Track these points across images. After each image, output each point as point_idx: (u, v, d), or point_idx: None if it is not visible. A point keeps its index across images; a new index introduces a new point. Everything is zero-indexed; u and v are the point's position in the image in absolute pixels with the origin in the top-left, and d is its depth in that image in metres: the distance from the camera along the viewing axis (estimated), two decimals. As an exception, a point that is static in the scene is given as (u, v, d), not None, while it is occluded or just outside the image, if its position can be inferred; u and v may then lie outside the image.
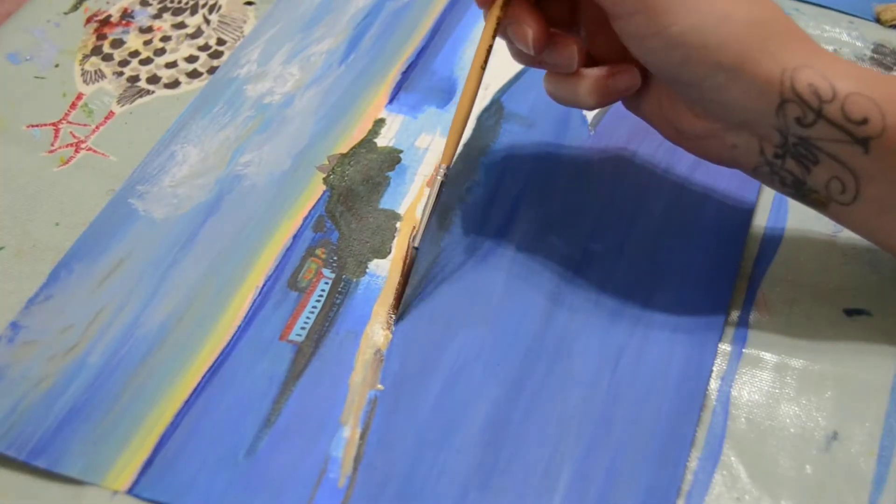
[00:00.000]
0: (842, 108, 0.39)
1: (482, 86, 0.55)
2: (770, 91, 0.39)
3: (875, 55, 0.57)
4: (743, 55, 0.39)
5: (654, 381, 0.43)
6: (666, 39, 0.40)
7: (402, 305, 0.45)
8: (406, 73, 0.56)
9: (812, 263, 0.47)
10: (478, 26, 0.59)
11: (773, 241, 0.48)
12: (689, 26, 0.39)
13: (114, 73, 0.57)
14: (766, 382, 0.43)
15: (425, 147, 0.52)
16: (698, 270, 0.46)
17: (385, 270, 0.47)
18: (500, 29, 0.44)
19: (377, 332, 0.45)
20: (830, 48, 0.57)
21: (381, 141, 0.53)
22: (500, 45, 0.58)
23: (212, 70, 0.57)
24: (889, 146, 0.39)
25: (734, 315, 0.45)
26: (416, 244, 0.45)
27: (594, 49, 0.45)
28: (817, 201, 0.42)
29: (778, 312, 0.45)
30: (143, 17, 0.61)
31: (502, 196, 0.50)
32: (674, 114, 0.44)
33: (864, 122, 0.38)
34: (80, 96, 0.56)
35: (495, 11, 0.44)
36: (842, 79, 0.39)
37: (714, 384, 0.43)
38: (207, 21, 0.61)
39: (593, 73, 0.44)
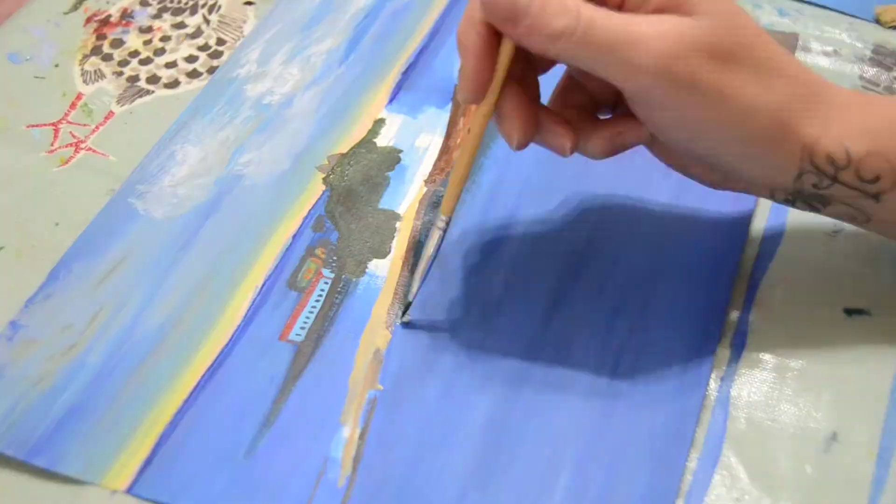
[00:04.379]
0: (856, 171, 0.40)
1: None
2: (790, 167, 0.40)
3: (875, 56, 0.57)
4: (767, 143, 0.40)
5: (654, 381, 0.43)
6: (691, 133, 0.40)
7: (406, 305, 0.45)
8: (406, 74, 0.56)
9: (812, 263, 0.47)
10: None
11: (772, 240, 0.48)
12: (716, 122, 0.39)
13: (113, 73, 0.57)
14: (765, 383, 0.43)
15: (425, 147, 0.52)
16: (698, 270, 0.46)
17: (384, 270, 0.47)
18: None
19: (377, 332, 0.45)
20: (830, 48, 0.57)
21: (381, 141, 0.53)
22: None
23: (211, 70, 0.57)
24: None
25: (734, 315, 0.45)
26: (410, 299, 0.44)
27: (599, 94, 0.44)
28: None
29: (778, 312, 0.45)
30: (142, 17, 0.61)
31: (502, 196, 0.50)
32: (685, 164, 0.44)
33: (876, 180, 0.40)
34: (79, 96, 0.56)
35: (483, 111, 0.41)
36: (857, 140, 0.40)
37: (714, 384, 0.43)
38: (207, 21, 0.60)
39: (601, 131, 0.43)
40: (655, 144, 0.44)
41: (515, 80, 0.41)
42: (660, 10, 0.38)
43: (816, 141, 0.39)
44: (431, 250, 0.44)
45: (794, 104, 0.39)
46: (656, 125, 0.41)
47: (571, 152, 0.43)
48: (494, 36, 0.39)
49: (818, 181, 0.40)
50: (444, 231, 0.43)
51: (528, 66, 0.42)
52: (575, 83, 0.44)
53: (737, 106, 0.38)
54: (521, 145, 0.42)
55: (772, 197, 0.43)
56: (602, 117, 0.44)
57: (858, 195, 0.41)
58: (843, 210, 0.42)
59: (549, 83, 0.44)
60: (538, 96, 0.43)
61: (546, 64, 0.43)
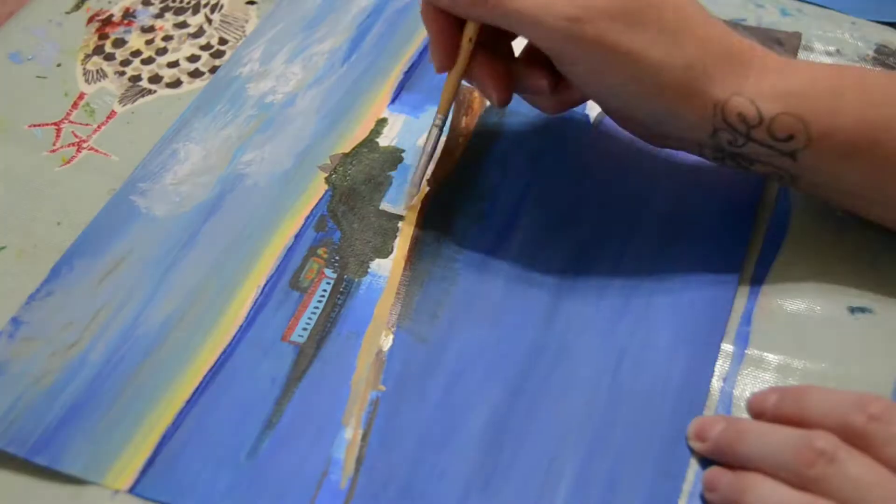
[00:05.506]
0: (768, 129, 0.42)
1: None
2: (703, 124, 0.43)
3: (877, 56, 0.57)
4: (676, 99, 0.42)
5: (656, 382, 0.42)
6: (606, 88, 0.44)
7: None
8: (408, 73, 0.56)
9: (815, 262, 0.47)
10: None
11: (775, 240, 0.48)
12: (626, 79, 0.42)
13: (115, 73, 0.57)
14: (768, 383, 0.43)
15: (427, 146, 0.52)
16: (701, 270, 0.46)
17: (387, 270, 0.47)
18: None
19: (379, 333, 0.44)
20: (832, 48, 0.57)
21: (384, 140, 0.53)
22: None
23: (213, 69, 0.57)
24: (814, 154, 0.42)
25: (737, 315, 0.45)
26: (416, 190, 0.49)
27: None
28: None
29: (781, 312, 0.45)
30: (144, 17, 0.61)
31: (505, 195, 0.50)
32: (624, 121, 0.47)
33: (790, 138, 0.42)
34: (81, 96, 0.56)
35: (453, 77, 0.46)
36: (770, 100, 0.42)
37: (716, 384, 0.43)
38: (209, 20, 0.60)
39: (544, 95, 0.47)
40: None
41: (486, 48, 0.46)
42: None
43: (728, 99, 0.42)
44: (430, 146, 0.47)
45: (703, 63, 0.42)
46: (576, 81, 0.44)
47: (550, 90, 0.46)
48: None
49: (733, 138, 0.43)
50: (440, 128, 0.48)
51: (497, 33, 0.45)
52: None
53: (644, 64, 0.41)
54: (502, 101, 0.46)
55: (702, 154, 0.46)
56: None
57: (774, 153, 0.43)
58: (766, 169, 0.44)
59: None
60: (511, 54, 0.48)
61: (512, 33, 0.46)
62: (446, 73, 0.47)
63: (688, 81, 0.42)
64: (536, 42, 0.43)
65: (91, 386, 0.43)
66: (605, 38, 0.41)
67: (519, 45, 0.48)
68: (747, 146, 0.43)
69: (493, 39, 0.46)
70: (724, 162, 0.45)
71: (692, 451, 0.40)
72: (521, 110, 0.53)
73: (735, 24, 0.58)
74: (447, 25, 0.45)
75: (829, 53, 0.57)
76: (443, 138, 0.49)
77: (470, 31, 0.45)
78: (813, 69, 0.43)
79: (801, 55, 0.57)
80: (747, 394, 0.42)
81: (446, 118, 0.48)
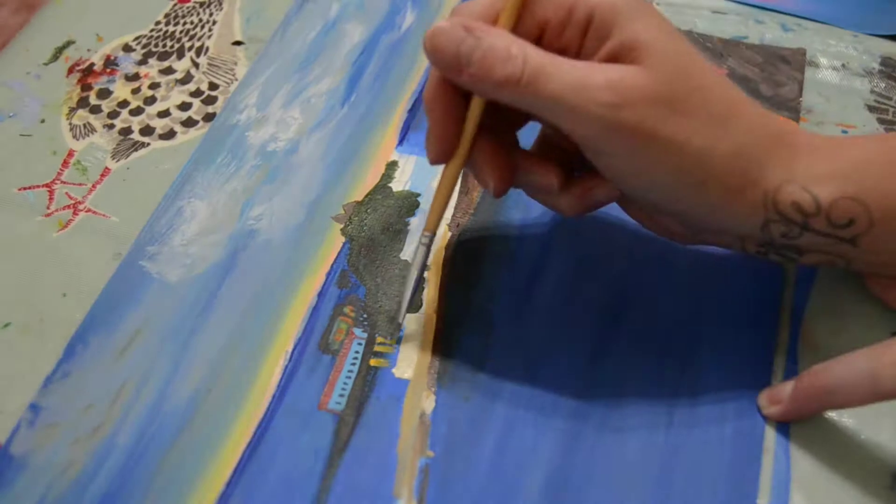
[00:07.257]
0: (827, 217, 0.38)
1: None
2: (754, 215, 0.39)
3: (883, 68, 0.56)
4: (724, 190, 0.38)
5: (711, 429, 0.41)
6: (646, 182, 0.39)
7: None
8: (412, 111, 0.54)
9: (853, 288, 0.46)
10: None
11: (810, 268, 0.47)
12: (669, 170, 0.38)
13: (104, 126, 0.55)
14: (822, 420, 0.42)
15: (443, 189, 0.50)
16: (739, 306, 0.45)
17: (419, 325, 0.45)
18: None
19: (420, 394, 0.42)
20: (838, 63, 0.56)
21: (397, 185, 0.51)
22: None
23: (207, 117, 0.55)
24: (877, 237, 0.39)
25: (781, 350, 0.44)
26: (400, 320, 0.44)
27: (570, 148, 0.42)
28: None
29: (825, 344, 0.44)
30: (127, 64, 0.58)
31: (529, 243, 0.48)
32: (657, 220, 0.43)
33: (850, 223, 0.38)
34: (71, 153, 0.53)
35: (452, 169, 0.42)
36: (825, 184, 0.38)
37: (770, 425, 0.42)
38: (196, 64, 0.58)
39: (572, 188, 0.42)
40: (626, 202, 0.43)
41: (489, 133, 0.41)
42: (612, 58, 0.38)
43: (779, 187, 0.38)
44: (417, 270, 0.43)
45: (751, 149, 0.38)
46: (612, 174, 0.40)
47: (560, 189, 0.42)
48: (460, 95, 0.40)
49: (787, 230, 0.39)
50: (428, 247, 0.43)
51: (502, 119, 0.42)
52: (549, 138, 0.44)
53: (688, 153, 0.37)
54: (500, 192, 0.42)
55: (743, 250, 0.42)
56: (576, 176, 0.43)
57: (833, 241, 0.39)
58: (820, 258, 0.41)
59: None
60: (515, 143, 0.44)
61: (520, 117, 0.43)
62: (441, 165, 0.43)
63: (736, 170, 0.38)
64: (570, 130, 0.38)
65: (122, 473, 0.40)
66: (644, 125, 0.36)
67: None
68: (803, 237, 0.39)
69: (498, 125, 0.42)
70: (768, 256, 0.41)
71: (766, 420, 0.41)
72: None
73: (737, 43, 0.58)
74: (453, 109, 0.40)
75: (835, 68, 0.56)
76: (431, 254, 0.46)
77: (475, 116, 0.40)
78: (864, 144, 0.40)
79: (808, 71, 0.56)
80: (803, 432, 0.41)
81: (434, 235, 0.43)
